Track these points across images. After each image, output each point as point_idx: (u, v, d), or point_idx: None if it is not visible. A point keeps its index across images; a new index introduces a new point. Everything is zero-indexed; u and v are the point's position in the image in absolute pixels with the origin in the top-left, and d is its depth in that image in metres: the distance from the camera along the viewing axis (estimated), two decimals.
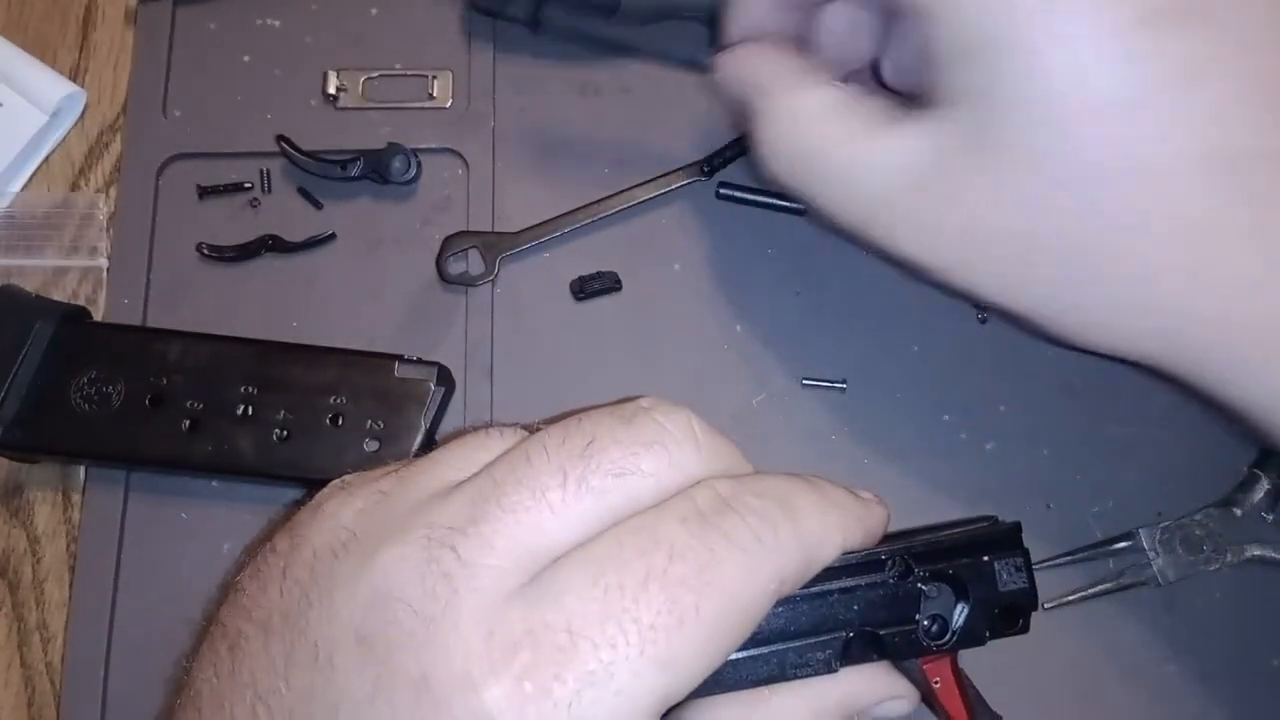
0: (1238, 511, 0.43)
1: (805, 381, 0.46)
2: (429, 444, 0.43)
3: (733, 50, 0.40)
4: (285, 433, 0.43)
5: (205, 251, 0.48)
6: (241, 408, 0.43)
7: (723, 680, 0.25)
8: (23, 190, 0.50)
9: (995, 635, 0.28)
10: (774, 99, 0.37)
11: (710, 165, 0.48)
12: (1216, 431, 0.43)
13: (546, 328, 0.47)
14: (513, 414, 0.46)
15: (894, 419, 0.46)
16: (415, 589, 0.23)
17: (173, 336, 0.44)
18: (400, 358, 0.43)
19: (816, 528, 0.26)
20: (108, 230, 0.49)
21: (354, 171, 0.48)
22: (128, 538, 0.45)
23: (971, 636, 0.28)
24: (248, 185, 0.49)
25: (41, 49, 0.52)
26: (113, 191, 0.50)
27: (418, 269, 0.48)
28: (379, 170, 0.48)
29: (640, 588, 0.23)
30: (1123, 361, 0.37)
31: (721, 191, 0.48)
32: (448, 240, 0.47)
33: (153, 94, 0.51)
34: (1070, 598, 0.43)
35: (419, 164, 0.49)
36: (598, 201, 0.48)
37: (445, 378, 0.44)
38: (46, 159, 0.51)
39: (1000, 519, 0.31)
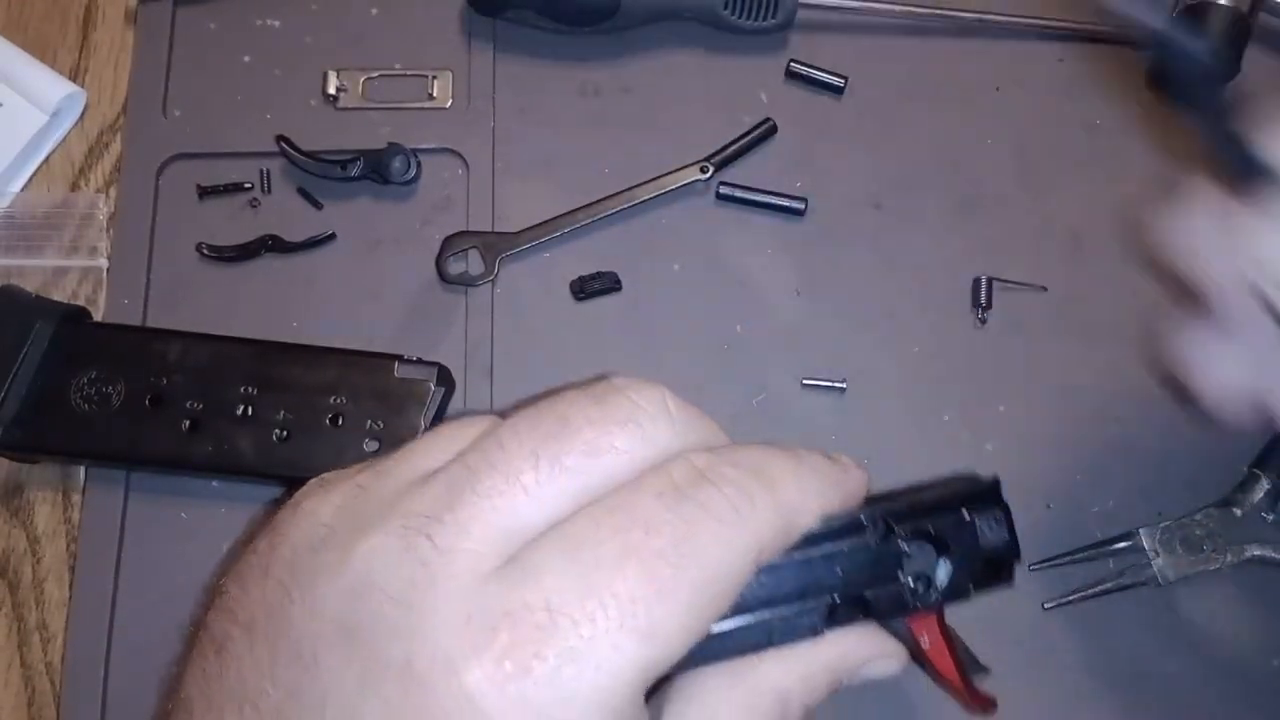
0: (1238, 511, 0.43)
1: (805, 381, 0.46)
2: None
3: None
4: (285, 433, 0.43)
5: (205, 251, 0.48)
6: (241, 408, 0.43)
7: (710, 651, 0.25)
8: (23, 190, 0.50)
9: (980, 589, 0.29)
10: None
11: (710, 165, 0.48)
12: (1216, 432, 0.43)
13: (546, 328, 0.47)
14: None
15: (894, 419, 0.45)
16: (394, 578, 0.23)
17: (173, 336, 0.44)
18: (400, 358, 0.43)
19: (794, 495, 0.26)
20: (108, 230, 0.49)
21: (354, 171, 0.48)
22: (128, 538, 0.45)
23: (956, 591, 0.28)
24: (248, 185, 0.49)
25: (41, 49, 0.52)
26: (113, 191, 0.50)
27: (418, 269, 0.48)
28: (379, 170, 0.48)
29: (618, 563, 0.23)
30: None
31: (721, 191, 0.48)
32: (448, 240, 0.47)
33: (153, 94, 0.51)
34: (1070, 598, 0.43)
35: (419, 164, 0.49)
36: (598, 201, 0.48)
37: (445, 378, 0.44)
38: (46, 159, 0.51)
39: (980, 476, 0.31)
